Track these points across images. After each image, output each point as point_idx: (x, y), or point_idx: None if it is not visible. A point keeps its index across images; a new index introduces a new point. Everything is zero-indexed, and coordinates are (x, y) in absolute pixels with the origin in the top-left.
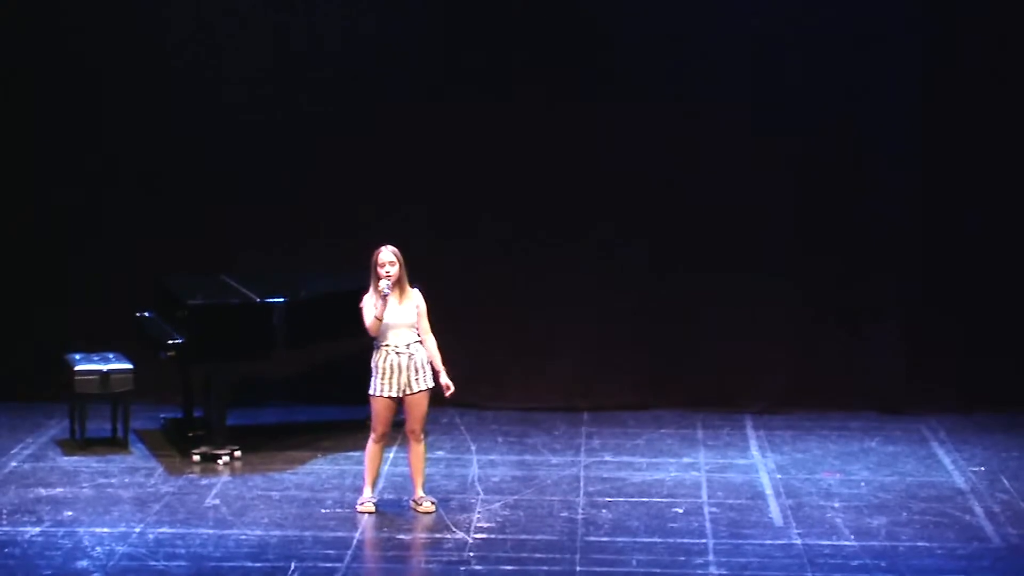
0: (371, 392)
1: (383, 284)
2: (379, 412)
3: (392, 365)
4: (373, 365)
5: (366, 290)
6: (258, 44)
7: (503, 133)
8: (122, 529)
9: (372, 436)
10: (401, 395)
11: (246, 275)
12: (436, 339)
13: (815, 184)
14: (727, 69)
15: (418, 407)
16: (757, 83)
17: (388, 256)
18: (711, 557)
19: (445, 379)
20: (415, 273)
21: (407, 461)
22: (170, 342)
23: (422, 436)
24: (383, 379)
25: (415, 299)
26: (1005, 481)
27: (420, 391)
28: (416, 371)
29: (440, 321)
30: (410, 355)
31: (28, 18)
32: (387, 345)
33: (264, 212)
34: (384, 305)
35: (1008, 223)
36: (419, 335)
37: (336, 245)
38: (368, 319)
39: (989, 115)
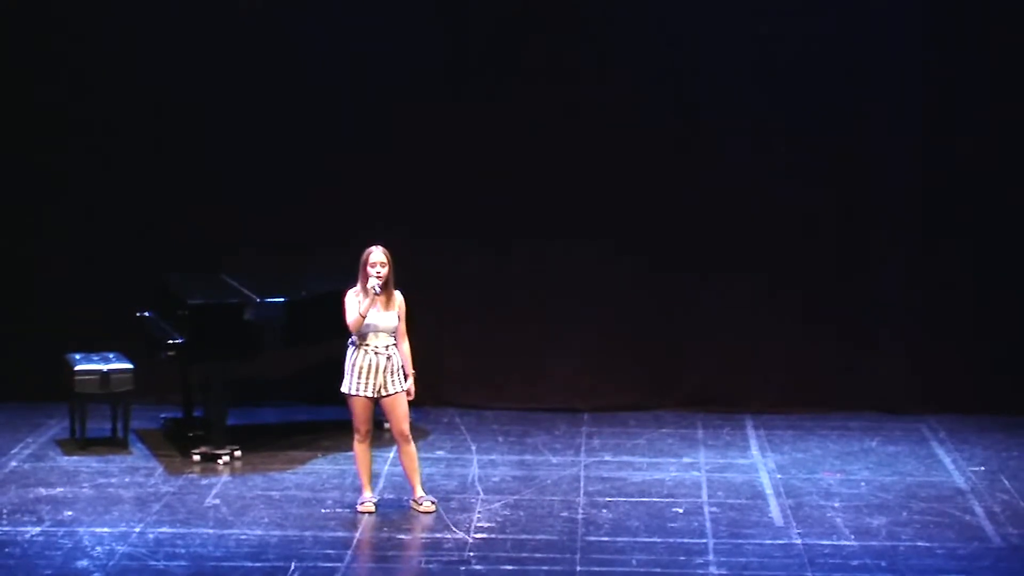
0: (347, 391)
1: (372, 283)
2: (359, 411)
3: (371, 364)
4: (349, 364)
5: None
6: (258, 44)
7: (502, 134)
8: (122, 529)
9: (356, 437)
10: (376, 396)
11: (246, 275)
12: (436, 340)
13: (814, 184)
14: (726, 69)
15: (399, 408)
16: (756, 84)
17: (379, 256)
18: (711, 557)
19: (410, 383)
20: (415, 274)
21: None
22: (170, 342)
23: (410, 436)
24: (360, 378)
25: (399, 303)
26: (1005, 481)
27: (395, 392)
28: (392, 373)
29: (440, 322)
30: (388, 356)
31: (28, 17)
32: (367, 345)
33: (264, 212)
34: (370, 304)
35: (1007, 223)
36: (396, 339)
37: (336, 245)
38: (351, 316)
39: (989, 115)
